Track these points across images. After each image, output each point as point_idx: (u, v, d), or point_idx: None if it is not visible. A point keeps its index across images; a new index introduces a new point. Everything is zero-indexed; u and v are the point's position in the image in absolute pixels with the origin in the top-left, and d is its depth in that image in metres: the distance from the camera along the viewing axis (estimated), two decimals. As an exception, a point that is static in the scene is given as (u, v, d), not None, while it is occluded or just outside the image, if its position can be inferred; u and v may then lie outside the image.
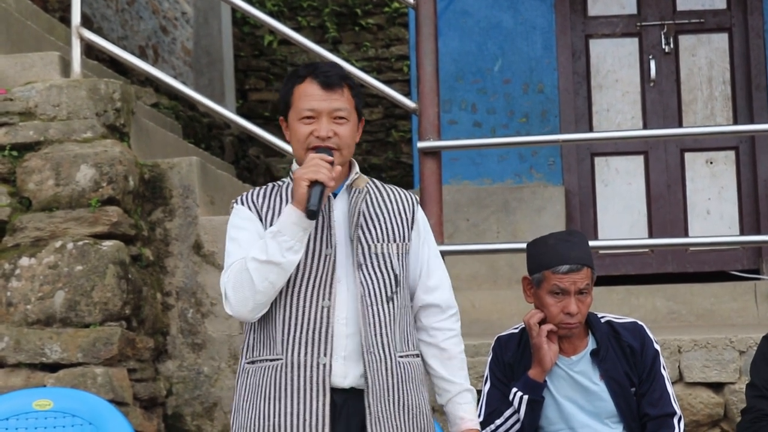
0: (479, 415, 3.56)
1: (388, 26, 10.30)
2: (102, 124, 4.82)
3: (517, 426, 3.56)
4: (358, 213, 3.07)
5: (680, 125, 6.73)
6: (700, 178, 6.73)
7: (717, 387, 4.54)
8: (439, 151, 5.19)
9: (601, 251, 6.32)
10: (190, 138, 7.27)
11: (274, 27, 5.52)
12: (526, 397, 3.53)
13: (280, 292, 2.99)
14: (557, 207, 6.62)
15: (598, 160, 6.80)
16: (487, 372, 3.69)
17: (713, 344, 4.54)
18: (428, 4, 5.22)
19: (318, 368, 2.96)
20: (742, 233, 6.59)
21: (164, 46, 8.89)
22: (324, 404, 2.94)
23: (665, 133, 6.27)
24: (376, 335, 3.01)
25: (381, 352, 3.01)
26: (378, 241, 3.07)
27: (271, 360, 3.00)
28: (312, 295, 2.99)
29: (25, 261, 4.57)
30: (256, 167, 9.14)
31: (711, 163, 6.73)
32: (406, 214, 3.15)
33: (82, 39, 5.15)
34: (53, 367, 4.46)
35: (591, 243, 3.73)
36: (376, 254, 3.06)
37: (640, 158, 6.77)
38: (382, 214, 3.11)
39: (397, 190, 3.21)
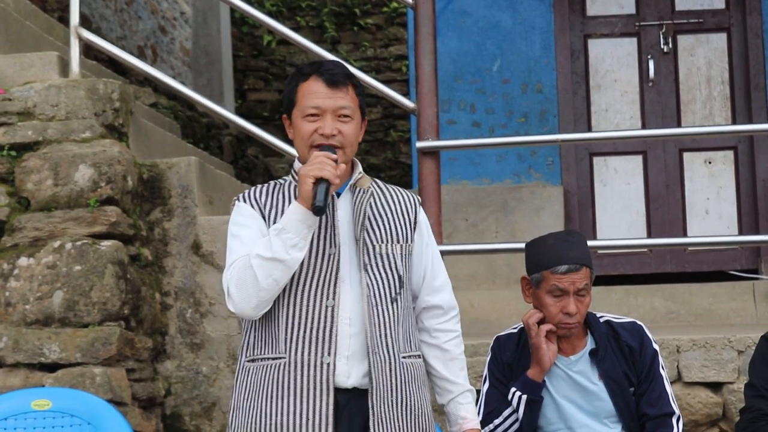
0: (478, 415, 3.56)
1: (387, 26, 10.30)
2: (100, 124, 4.82)
3: (516, 426, 3.57)
4: (363, 213, 3.07)
5: (679, 125, 6.74)
6: (698, 177, 6.73)
7: (715, 387, 4.54)
8: (437, 151, 5.19)
9: (599, 251, 6.32)
10: (188, 138, 7.27)
11: (272, 27, 5.52)
12: (524, 396, 3.53)
13: (283, 291, 2.99)
14: (556, 207, 6.62)
15: (596, 160, 6.80)
16: (485, 372, 3.69)
17: (712, 344, 4.54)
18: (427, 4, 5.22)
19: (322, 368, 2.95)
20: (740, 233, 6.59)
21: (163, 46, 8.89)
22: (327, 404, 2.94)
23: (664, 133, 6.28)
24: (380, 336, 3.00)
25: (385, 352, 3.01)
26: (382, 242, 3.07)
27: (274, 358, 2.99)
28: (316, 294, 2.99)
29: (23, 261, 4.57)
30: (255, 167, 9.14)
31: (710, 162, 6.74)
32: (408, 215, 3.16)
33: (81, 39, 5.15)
34: (52, 367, 4.46)
35: (590, 243, 3.73)
36: (381, 255, 3.06)
37: (639, 158, 6.77)
38: (386, 215, 3.11)
39: (399, 190, 3.21)
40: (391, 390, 3.01)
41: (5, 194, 4.70)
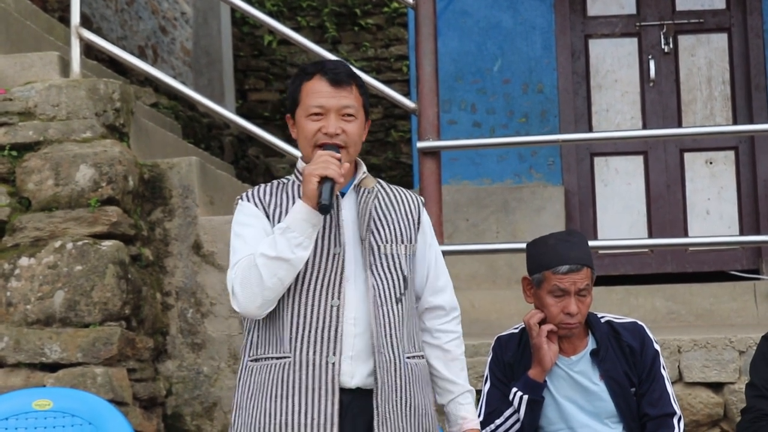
0: (479, 415, 3.56)
1: (388, 26, 10.30)
2: (101, 124, 4.82)
3: (517, 426, 3.56)
4: (368, 213, 3.07)
5: (680, 125, 6.74)
6: (699, 178, 6.73)
7: (717, 387, 4.54)
8: (438, 151, 5.19)
9: (600, 251, 6.32)
10: (189, 138, 7.27)
11: (273, 27, 5.52)
12: (526, 396, 3.53)
13: (288, 290, 2.98)
14: (557, 207, 6.62)
15: (597, 160, 6.80)
16: (486, 372, 3.69)
17: (713, 344, 4.54)
18: (427, 4, 5.22)
19: (327, 367, 2.95)
20: (741, 233, 6.59)
21: (163, 46, 8.89)
22: (333, 403, 2.94)
23: (665, 133, 6.28)
24: (386, 336, 3.01)
25: (391, 353, 3.01)
26: (387, 242, 3.07)
27: (278, 358, 2.99)
28: (321, 294, 2.99)
29: (24, 261, 4.57)
30: (256, 167, 9.14)
31: (710, 163, 6.74)
32: (412, 216, 3.16)
33: (82, 39, 5.15)
34: (53, 367, 4.46)
35: (590, 243, 3.73)
36: (386, 255, 3.06)
37: (640, 158, 6.77)
38: (390, 216, 3.12)
39: (403, 191, 3.21)
40: (396, 390, 3.01)
41: (6, 194, 4.70)
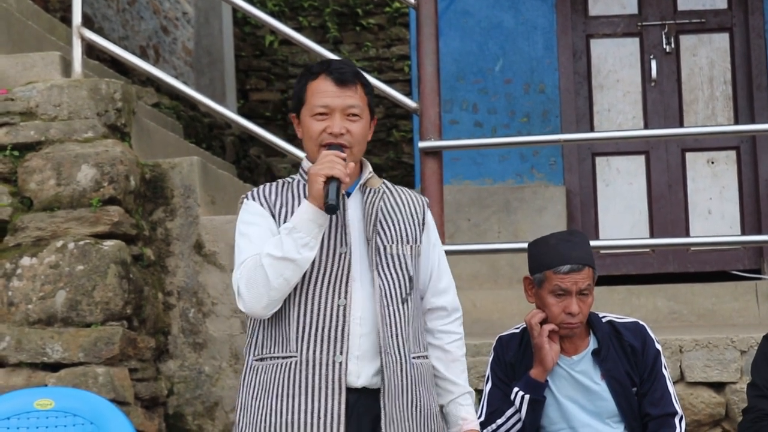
0: (480, 415, 3.56)
1: (389, 26, 10.30)
2: (103, 124, 4.82)
3: (519, 425, 3.56)
4: (375, 213, 3.07)
5: (681, 125, 6.73)
6: (701, 177, 6.73)
7: (718, 387, 4.54)
8: (440, 150, 5.19)
9: (602, 251, 6.32)
10: (191, 138, 7.27)
11: (275, 27, 5.52)
12: (527, 396, 3.53)
13: (294, 289, 2.98)
14: (558, 207, 6.62)
15: (599, 160, 6.80)
16: (488, 372, 3.69)
17: (714, 344, 4.54)
18: (429, 4, 5.22)
19: (334, 367, 2.95)
20: (743, 233, 6.59)
21: (165, 46, 8.89)
22: (339, 403, 2.94)
23: (666, 133, 6.27)
24: (392, 336, 3.01)
25: (397, 352, 3.01)
26: (392, 243, 3.07)
27: (284, 357, 2.99)
28: (328, 293, 2.99)
29: (26, 261, 4.57)
30: (257, 167, 9.14)
31: (712, 162, 6.73)
32: (417, 216, 3.16)
33: (83, 39, 5.15)
34: (54, 367, 4.46)
35: (592, 243, 3.73)
36: (392, 255, 3.06)
37: (641, 158, 6.77)
38: (396, 216, 3.12)
39: (408, 191, 3.21)
40: (402, 390, 3.01)
41: (8, 194, 4.71)
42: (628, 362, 3.58)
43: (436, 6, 5.24)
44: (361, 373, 2.99)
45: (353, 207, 3.08)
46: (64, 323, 4.50)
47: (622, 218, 6.73)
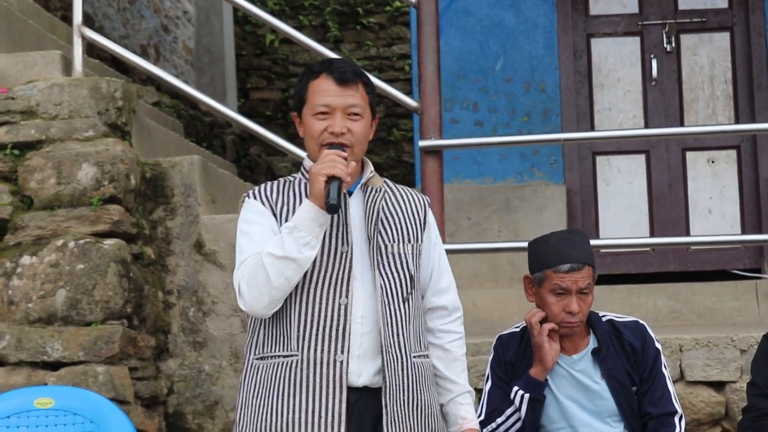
0: (480, 414, 3.57)
1: (390, 25, 10.30)
2: (103, 123, 4.82)
3: (518, 424, 3.56)
4: (376, 212, 3.07)
5: (682, 124, 6.73)
6: (701, 177, 6.73)
7: (718, 386, 4.54)
8: (440, 149, 5.19)
9: (602, 250, 6.32)
10: (191, 137, 7.28)
11: (275, 26, 5.52)
12: (527, 395, 3.53)
13: (295, 288, 2.98)
14: (559, 206, 6.62)
15: (599, 159, 6.80)
16: (488, 371, 3.69)
17: (714, 343, 4.54)
18: (430, 2, 5.22)
19: (335, 365, 2.95)
20: (743, 232, 6.59)
21: (166, 45, 8.89)
22: (341, 402, 2.94)
23: (667, 132, 6.27)
24: (393, 335, 3.01)
25: (398, 351, 3.01)
26: (393, 242, 3.07)
27: (285, 356, 2.99)
28: (329, 292, 2.99)
29: (26, 259, 4.57)
30: (258, 166, 9.15)
31: (712, 162, 6.73)
32: (418, 215, 3.16)
33: (84, 38, 5.15)
34: (54, 366, 4.46)
35: (592, 242, 3.73)
36: (393, 254, 3.06)
37: (642, 157, 6.77)
38: (397, 215, 3.12)
39: (409, 190, 3.22)
40: (404, 389, 3.01)
41: (8, 193, 4.71)
42: (628, 361, 3.58)
43: (436, 5, 5.24)
44: (362, 372, 2.99)
45: (355, 206, 3.08)
46: (64, 322, 4.50)
47: (623, 217, 6.73)
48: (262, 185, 3.15)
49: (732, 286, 5.86)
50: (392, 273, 3.04)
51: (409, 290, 3.07)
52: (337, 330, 2.97)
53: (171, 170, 4.95)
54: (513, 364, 3.65)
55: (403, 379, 3.01)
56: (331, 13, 10.23)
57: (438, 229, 3.28)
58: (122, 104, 4.88)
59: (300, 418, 2.94)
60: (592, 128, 6.78)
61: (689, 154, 6.74)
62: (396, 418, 2.98)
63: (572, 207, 6.69)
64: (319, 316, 2.98)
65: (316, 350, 2.96)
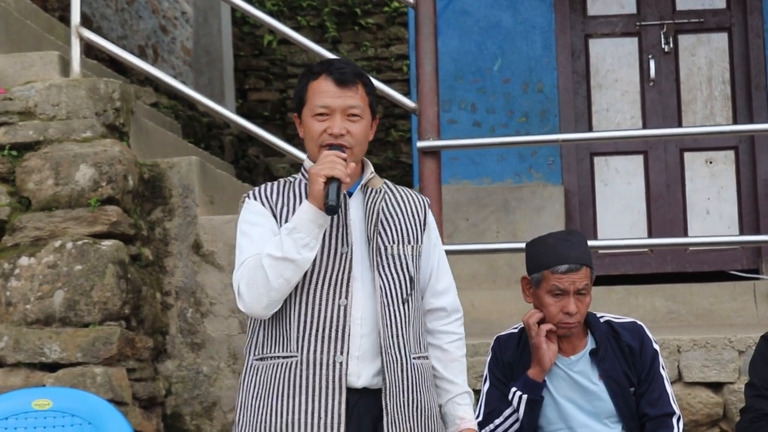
0: (478, 415, 3.57)
1: (388, 26, 10.30)
2: (101, 124, 4.82)
3: (516, 425, 3.56)
4: (376, 213, 3.07)
5: (680, 125, 6.74)
6: (699, 177, 6.73)
7: (716, 387, 4.54)
8: (438, 150, 5.19)
9: (600, 251, 6.32)
10: (189, 137, 7.27)
11: (273, 26, 5.52)
12: (525, 396, 3.53)
13: (295, 289, 2.98)
14: (557, 207, 6.62)
15: (597, 159, 6.80)
16: (486, 372, 3.69)
17: (712, 344, 4.54)
18: (428, 3, 5.22)
19: (335, 367, 2.95)
20: (741, 233, 6.59)
21: (164, 46, 8.89)
22: (340, 403, 2.94)
23: (665, 132, 6.27)
24: (393, 336, 3.01)
25: (397, 353, 3.01)
26: (393, 243, 3.07)
27: (285, 357, 2.99)
28: (329, 293, 2.99)
29: (24, 260, 4.57)
30: (256, 167, 9.14)
31: (710, 162, 6.74)
32: (418, 217, 3.16)
33: (82, 38, 5.15)
34: (52, 367, 4.46)
35: (590, 243, 3.73)
36: (392, 255, 3.06)
37: (640, 158, 6.77)
38: (397, 216, 3.12)
39: (409, 192, 3.22)
40: (403, 391, 3.01)
41: (6, 194, 4.70)
42: (626, 362, 3.58)
43: (434, 5, 5.24)
44: (361, 374, 2.99)
45: (355, 207, 3.08)
46: (62, 323, 4.50)
47: (621, 218, 6.73)
48: (263, 186, 3.15)
49: (730, 287, 5.87)
50: (392, 274, 3.04)
51: (408, 292, 3.06)
52: (337, 331, 2.97)
53: (169, 171, 4.95)
54: (511, 365, 3.65)
55: (402, 381, 3.01)
56: (329, 14, 10.23)
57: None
58: (120, 105, 4.88)
59: (299, 419, 2.94)
60: (590, 129, 6.79)
61: (687, 155, 6.75)
62: (396, 420, 2.98)
63: (570, 208, 6.69)
64: (319, 317, 2.98)
65: (315, 351, 2.96)
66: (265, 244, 2.95)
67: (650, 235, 6.67)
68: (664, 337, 4.52)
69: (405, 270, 3.07)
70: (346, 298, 2.99)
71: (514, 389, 3.56)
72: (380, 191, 3.12)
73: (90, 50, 6.14)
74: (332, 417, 2.93)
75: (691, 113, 6.78)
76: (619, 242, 6.24)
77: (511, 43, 6.82)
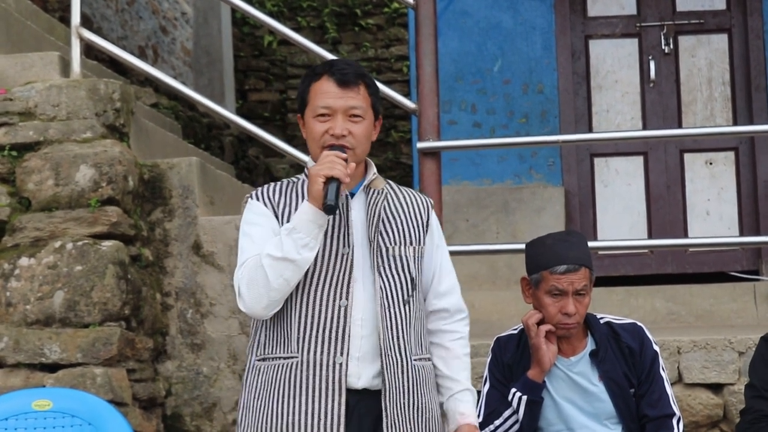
0: (478, 416, 3.56)
1: (388, 27, 10.30)
2: (101, 124, 4.82)
3: (516, 427, 3.56)
4: (377, 214, 3.07)
5: (680, 126, 6.74)
6: (699, 178, 6.73)
7: (716, 388, 4.54)
8: (438, 151, 5.19)
9: (600, 252, 6.32)
10: (189, 138, 7.27)
11: (273, 27, 5.52)
12: (525, 397, 3.53)
13: (296, 290, 2.99)
14: (557, 207, 6.62)
15: (597, 160, 6.80)
16: (486, 373, 3.69)
17: (712, 345, 4.54)
18: (428, 4, 5.22)
19: (334, 368, 2.95)
20: (741, 234, 6.59)
21: (164, 47, 8.89)
22: (340, 404, 2.94)
23: (665, 133, 6.28)
24: (393, 338, 3.01)
25: (397, 354, 3.01)
26: (395, 244, 3.07)
27: (285, 358, 2.99)
28: (329, 294, 2.99)
29: (24, 261, 4.57)
30: (256, 167, 9.14)
31: (710, 163, 6.74)
32: (421, 218, 3.16)
33: (82, 39, 5.15)
34: (52, 368, 4.46)
35: (590, 244, 3.73)
36: (394, 257, 3.06)
37: (640, 159, 6.77)
38: (399, 217, 3.12)
39: (412, 193, 3.21)
40: (404, 392, 3.01)
41: (6, 194, 4.70)
42: (626, 363, 3.58)
43: (434, 6, 5.24)
44: (361, 375, 2.99)
45: (356, 208, 3.08)
46: (62, 324, 4.50)
47: (621, 219, 6.73)
48: (265, 186, 3.15)
49: (730, 288, 5.87)
50: (393, 276, 3.04)
51: (410, 293, 3.06)
52: (337, 332, 2.97)
53: (169, 172, 4.95)
54: (511, 366, 3.65)
55: (402, 382, 3.01)
56: (329, 15, 10.23)
57: (438, 230, 3.28)
58: (120, 105, 4.88)
59: (300, 420, 2.94)
60: (590, 130, 6.79)
61: (687, 156, 6.75)
62: (396, 421, 2.98)
63: (570, 209, 6.69)
64: (319, 318, 2.98)
65: (315, 352, 2.97)
66: (266, 244, 2.96)
67: (650, 236, 6.67)
68: (664, 338, 4.52)
69: (406, 271, 3.07)
70: (347, 299, 2.99)
71: (513, 390, 3.56)
72: (382, 192, 3.12)
73: (90, 51, 6.14)
74: (332, 418, 2.93)
75: (691, 114, 6.78)
76: (619, 243, 6.24)
77: (511, 44, 6.82)
